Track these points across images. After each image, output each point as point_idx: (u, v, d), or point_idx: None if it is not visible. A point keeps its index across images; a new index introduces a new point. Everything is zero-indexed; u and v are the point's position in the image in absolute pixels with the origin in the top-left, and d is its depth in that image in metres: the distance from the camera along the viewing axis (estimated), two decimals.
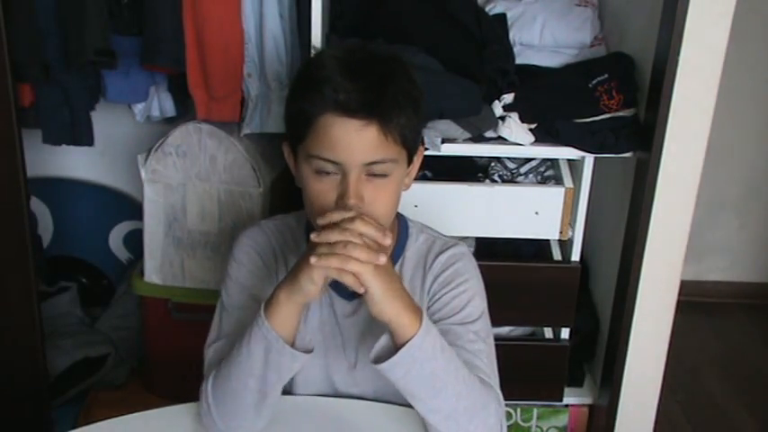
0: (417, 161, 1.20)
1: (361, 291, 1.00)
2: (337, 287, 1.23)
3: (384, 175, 1.10)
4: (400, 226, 1.26)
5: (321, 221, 1.03)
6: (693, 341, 2.75)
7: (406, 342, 1.02)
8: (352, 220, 1.01)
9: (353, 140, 1.06)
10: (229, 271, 1.25)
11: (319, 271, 1.01)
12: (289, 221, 1.29)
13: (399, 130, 1.09)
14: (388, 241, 1.02)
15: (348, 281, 1.00)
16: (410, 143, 1.13)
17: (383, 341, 1.06)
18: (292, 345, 1.07)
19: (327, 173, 1.09)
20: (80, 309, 2.25)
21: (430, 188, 1.73)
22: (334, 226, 1.01)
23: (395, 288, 1.03)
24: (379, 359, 1.04)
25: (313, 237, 1.01)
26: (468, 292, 1.20)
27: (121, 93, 1.84)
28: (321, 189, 1.10)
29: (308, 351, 1.09)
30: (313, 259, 0.99)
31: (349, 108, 1.05)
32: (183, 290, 1.95)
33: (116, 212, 2.29)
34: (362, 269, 0.98)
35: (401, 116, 1.08)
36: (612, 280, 1.86)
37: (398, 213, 1.25)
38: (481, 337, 1.18)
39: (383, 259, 1.00)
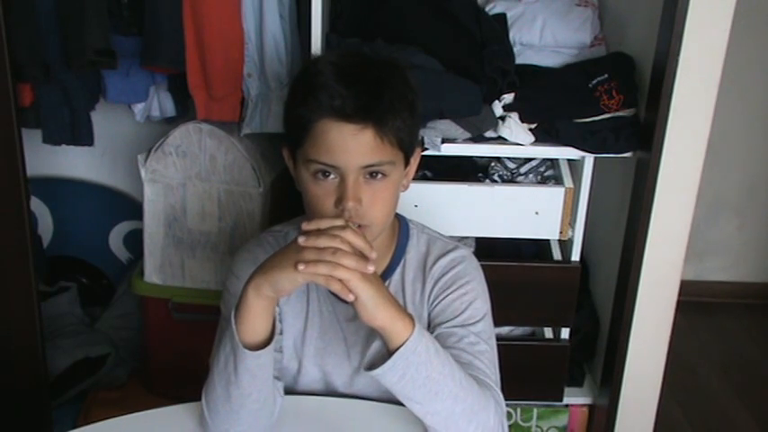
0: (414, 162, 1.21)
1: (350, 298, 0.99)
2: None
3: (382, 178, 1.11)
4: (401, 227, 1.27)
5: (307, 227, 1.01)
6: (693, 341, 2.75)
7: (400, 346, 1.02)
8: (342, 228, 1.01)
9: (350, 144, 1.08)
10: (228, 286, 1.25)
11: (305, 276, 0.99)
12: (288, 232, 1.29)
13: (395, 132, 1.10)
14: (374, 255, 1.01)
15: (335, 287, 0.99)
16: (406, 145, 1.14)
17: (376, 347, 1.07)
18: (269, 340, 1.07)
19: (326, 177, 1.10)
20: (80, 309, 2.25)
21: (430, 188, 1.73)
22: (321, 232, 1.00)
23: (384, 294, 1.02)
24: (373, 365, 1.04)
25: (300, 240, 1.00)
26: (469, 295, 1.20)
27: (121, 93, 1.84)
28: (320, 193, 1.11)
29: (267, 344, 1.08)
30: (301, 266, 0.98)
31: (344, 113, 1.07)
32: (183, 290, 1.95)
33: (116, 212, 2.29)
34: (351, 276, 0.98)
35: (396, 119, 1.10)
36: (612, 280, 1.86)
37: (399, 215, 1.25)
38: (483, 338, 1.18)
39: (371, 268, 0.99)
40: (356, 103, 1.07)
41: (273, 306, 1.07)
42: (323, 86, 1.08)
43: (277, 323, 1.22)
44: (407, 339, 1.02)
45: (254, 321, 1.06)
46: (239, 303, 1.06)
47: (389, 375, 1.03)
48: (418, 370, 1.03)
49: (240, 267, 1.24)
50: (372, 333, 1.22)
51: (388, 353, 1.03)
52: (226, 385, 1.09)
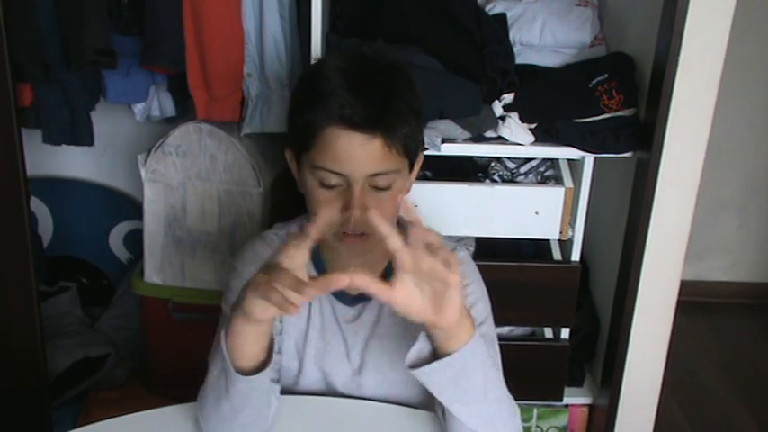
0: (417, 166, 1.21)
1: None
2: (338, 293, 1.23)
3: (387, 188, 1.11)
4: (400, 229, 1.26)
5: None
6: (693, 341, 2.75)
7: (462, 346, 0.98)
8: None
9: (358, 153, 1.07)
10: (230, 283, 1.24)
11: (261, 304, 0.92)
12: (291, 230, 1.29)
13: (403, 141, 1.10)
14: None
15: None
16: (412, 152, 1.14)
17: (422, 345, 1.01)
18: (265, 361, 1.02)
19: (332, 183, 1.10)
20: (80, 309, 2.25)
21: (430, 188, 1.73)
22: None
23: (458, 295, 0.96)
24: (417, 364, 1.00)
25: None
26: (469, 297, 1.20)
27: (121, 93, 1.83)
28: (326, 199, 1.11)
29: (262, 368, 1.03)
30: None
31: (354, 122, 1.06)
32: (183, 290, 1.95)
33: (116, 212, 2.29)
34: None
35: (404, 127, 1.09)
36: (612, 280, 1.86)
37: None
38: (486, 341, 1.17)
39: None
40: (366, 112, 1.06)
41: (267, 330, 1.01)
42: (332, 93, 1.07)
43: (276, 323, 1.22)
44: (470, 339, 0.98)
45: (245, 347, 1.01)
46: (230, 326, 1.00)
47: (443, 372, 0.99)
48: (475, 370, 1.00)
49: (243, 264, 1.24)
50: (371, 335, 1.22)
51: (432, 353, 0.99)
52: (217, 398, 1.07)
